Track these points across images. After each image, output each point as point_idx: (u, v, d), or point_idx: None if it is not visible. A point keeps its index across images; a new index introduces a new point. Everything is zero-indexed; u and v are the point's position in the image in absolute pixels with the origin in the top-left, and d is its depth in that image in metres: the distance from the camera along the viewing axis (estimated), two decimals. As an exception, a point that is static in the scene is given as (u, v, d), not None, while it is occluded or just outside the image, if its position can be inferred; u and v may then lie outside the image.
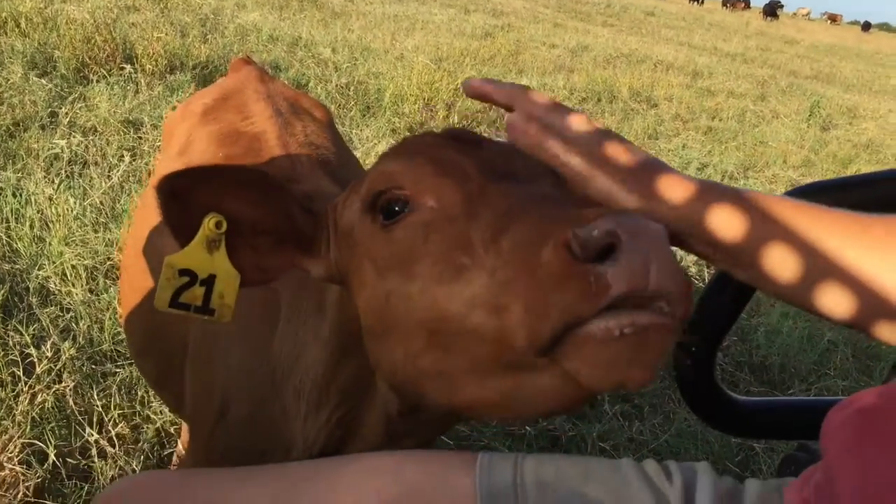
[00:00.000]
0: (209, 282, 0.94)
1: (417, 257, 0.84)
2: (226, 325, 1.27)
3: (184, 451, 2.44)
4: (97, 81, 5.74)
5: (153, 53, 6.39)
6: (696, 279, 4.30)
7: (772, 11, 46.98)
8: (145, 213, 1.88)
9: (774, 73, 16.18)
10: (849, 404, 0.80)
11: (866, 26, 78.12)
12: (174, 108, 5.47)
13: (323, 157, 1.81)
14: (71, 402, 2.48)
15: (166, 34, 7.17)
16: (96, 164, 4.33)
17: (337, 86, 6.98)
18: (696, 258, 4.57)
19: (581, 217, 0.67)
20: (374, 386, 1.07)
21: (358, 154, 5.41)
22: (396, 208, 0.89)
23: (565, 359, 0.67)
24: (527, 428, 2.86)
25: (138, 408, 2.57)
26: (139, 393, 2.63)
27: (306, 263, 1.01)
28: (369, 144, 5.60)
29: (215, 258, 0.93)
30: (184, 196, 0.90)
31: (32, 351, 2.64)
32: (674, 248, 0.80)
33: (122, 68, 6.00)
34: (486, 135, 1.12)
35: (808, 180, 7.11)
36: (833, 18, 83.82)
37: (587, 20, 21.44)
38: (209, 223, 0.91)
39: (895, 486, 0.69)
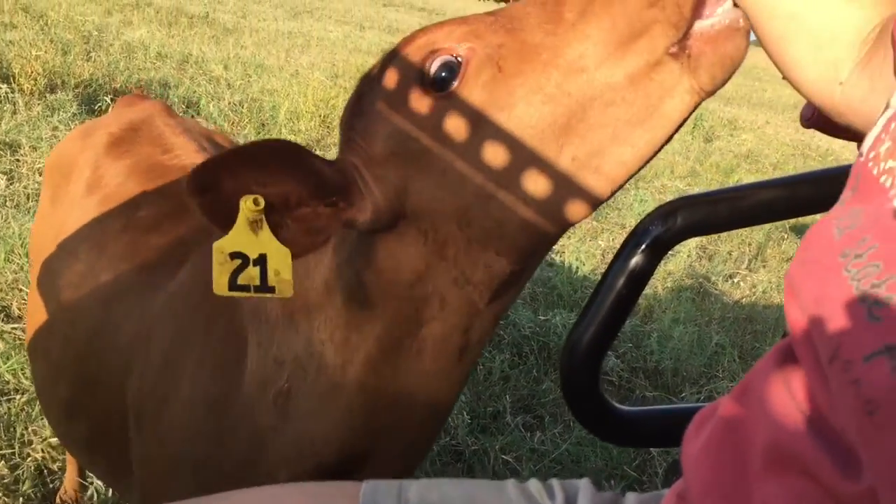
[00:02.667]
0: (262, 261, 0.92)
1: (526, 68, 0.90)
2: (184, 367, 1.29)
3: (71, 492, 2.32)
4: (-28, 102, 5.43)
5: (31, 72, 6.10)
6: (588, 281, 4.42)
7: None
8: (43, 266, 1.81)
9: (661, 87, 16.79)
10: (703, 421, 0.83)
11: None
12: (55, 128, 5.25)
13: None
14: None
15: (46, 52, 6.86)
16: (-30, 189, 4.10)
17: (230, 103, 6.83)
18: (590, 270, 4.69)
19: None
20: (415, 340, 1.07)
21: (253, 173, 5.31)
22: (443, 73, 0.93)
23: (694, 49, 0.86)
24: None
25: (17, 447, 2.43)
26: (18, 430, 2.49)
27: (350, 214, 0.98)
28: (264, 163, 5.49)
29: (261, 237, 0.91)
30: (214, 188, 0.89)
31: None
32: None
33: (-2, 88, 5.71)
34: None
35: (696, 190, 7.42)
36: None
37: (481, 36, 21.66)
38: (247, 204, 0.89)
39: (737, 490, 0.72)
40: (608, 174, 0.92)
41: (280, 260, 0.93)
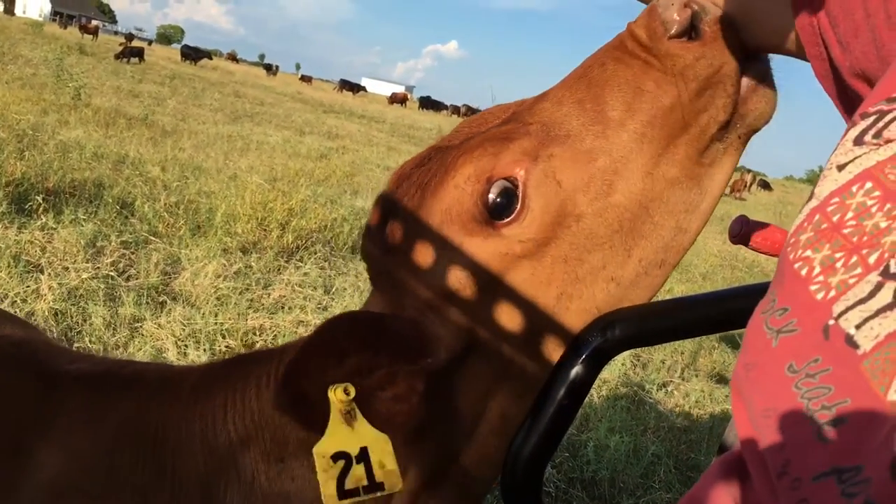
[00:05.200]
0: (364, 456, 0.85)
1: (585, 177, 0.88)
2: None
3: None
4: None
5: (-40, 169, 5.97)
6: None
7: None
8: None
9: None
10: None
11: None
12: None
13: None
14: None
15: (-24, 149, 6.74)
16: None
17: (165, 204, 6.77)
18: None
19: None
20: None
21: (187, 274, 5.22)
22: (500, 200, 0.89)
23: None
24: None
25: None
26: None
27: (430, 363, 0.89)
28: (199, 265, 5.42)
29: (358, 429, 0.85)
30: (303, 394, 0.83)
31: None
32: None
33: (-77, 184, 5.55)
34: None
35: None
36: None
37: (420, 144, 22.28)
38: (336, 396, 0.83)
39: None
40: (672, 263, 0.93)
41: (383, 450, 0.87)
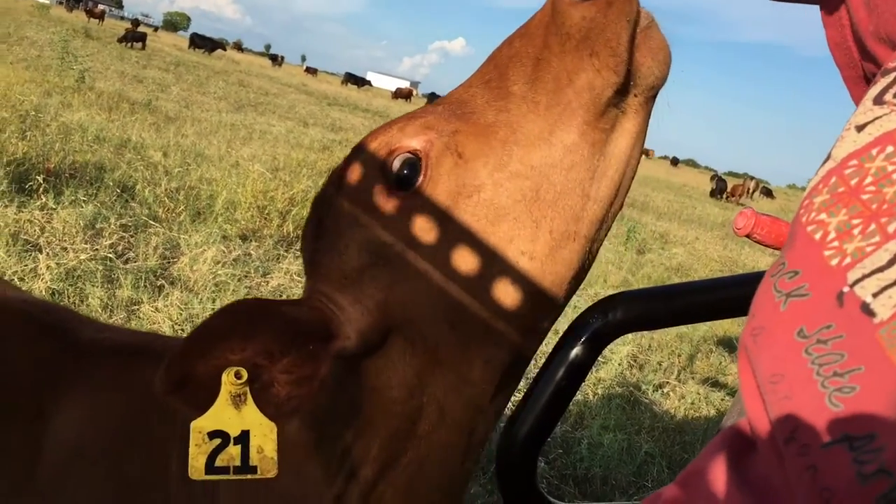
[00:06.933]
0: (244, 438, 0.85)
1: (486, 149, 0.90)
2: None
3: None
4: None
5: (-39, 147, 5.96)
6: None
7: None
8: None
9: (594, 199, 17.34)
10: (655, 497, 0.80)
11: (675, 161, 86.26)
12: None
13: None
14: None
15: (-22, 128, 6.73)
16: None
17: (166, 189, 6.75)
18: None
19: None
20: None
21: (186, 259, 5.21)
22: (406, 171, 0.91)
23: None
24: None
25: None
26: None
27: (336, 346, 0.90)
28: (198, 250, 5.41)
29: (244, 413, 0.84)
30: (189, 379, 0.82)
31: None
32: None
33: (-76, 160, 5.54)
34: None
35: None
36: (646, 153, 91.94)
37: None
38: (228, 379, 0.82)
39: None
40: (587, 235, 0.91)
41: (264, 435, 0.86)
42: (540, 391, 1.17)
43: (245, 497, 1.03)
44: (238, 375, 0.83)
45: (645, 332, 6.53)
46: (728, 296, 1.15)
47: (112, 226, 5.46)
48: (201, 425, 0.84)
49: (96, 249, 5.00)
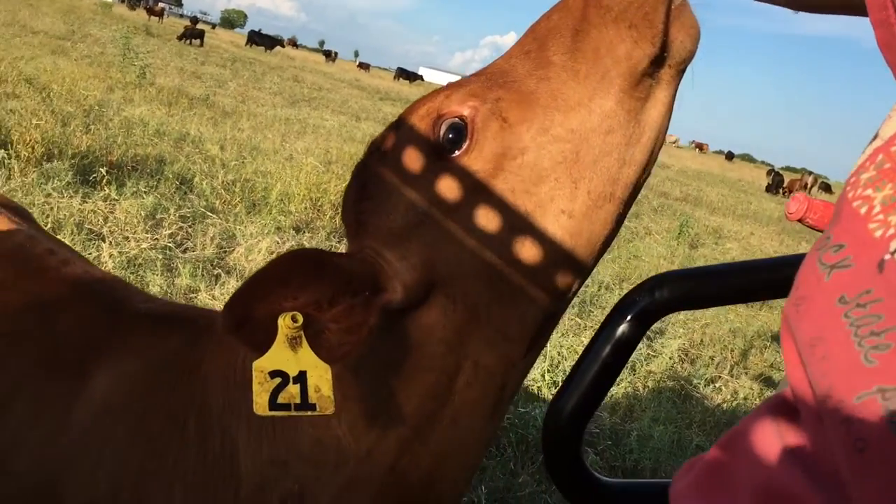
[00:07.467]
0: (302, 378, 0.91)
1: (529, 115, 0.94)
2: (158, 484, 1.13)
3: None
4: (-35, 164, 5.48)
5: (30, 140, 6.18)
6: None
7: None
8: None
9: (647, 194, 17.15)
10: (691, 466, 0.82)
11: (730, 156, 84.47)
12: (48, 195, 5.28)
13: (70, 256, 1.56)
14: None
15: (46, 122, 6.96)
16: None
17: (223, 182, 6.91)
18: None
19: None
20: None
21: (242, 249, 5.34)
22: (451, 136, 0.96)
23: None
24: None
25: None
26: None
27: (384, 298, 0.96)
28: (253, 241, 5.53)
29: (300, 355, 0.90)
30: (249, 319, 0.88)
31: None
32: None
33: (-6, 153, 5.76)
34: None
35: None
36: (700, 147, 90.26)
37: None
38: (285, 322, 0.88)
39: None
40: (621, 197, 0.96)
41: (320, 376, 0.91)
42: (586, 368, 1.19)
43: (265, 450, 1.08)
44: (294, 319, 0.88)
45: (697, 327, 6.46)
46: (775, 276, 1.15)
47: (171, 216, 5.61)
48: (262, 365, 0.89)
49: (156, 239, 5.16)
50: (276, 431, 1.08)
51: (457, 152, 0.96)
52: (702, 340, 6.23)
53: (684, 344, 5.91)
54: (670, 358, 5.44)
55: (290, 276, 0.89)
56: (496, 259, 0.95)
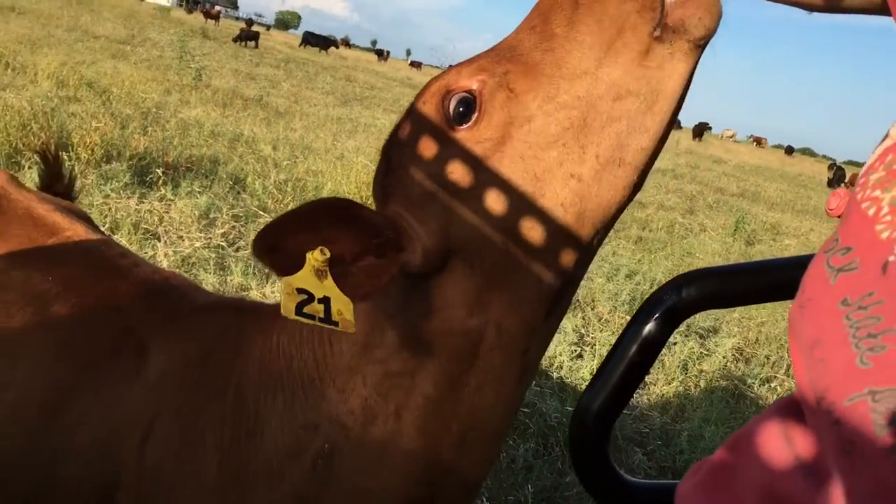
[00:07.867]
0: (326, 301, 0.96)
1: (535, 84, 0.98)
2: (201, 452, 1.25)
3: None
4: (28, 167, 5.67)
5: (90, 143, 6.37)
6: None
7: (700, 132, 49.47)
8: None
9: (702, 189, 16.88)
10: (699, 467, 0.82)
11: (790, 150, 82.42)
12: (107, 196, 5.43)
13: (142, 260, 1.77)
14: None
15: (105, 125, 7.17)
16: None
17: (275, 181, 7.02)
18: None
19: None
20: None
21: (291, 248, 5.41)
22: (462, 109, 1.00)
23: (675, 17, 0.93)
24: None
25: None
26: None
27: (404, 258, 1.01)
28: (303, 240, 5.60)
29: (325, 285, 0.95)
30: (278, 248, 0.93)
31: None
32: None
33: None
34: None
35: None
36: (758, 141, 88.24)
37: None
38: (314, 255, 0.94)
39: None
40: (632, 163, 0.98)
41: (343, 304, 0.97)
42: (613, 366, 1.18)
43: (298, 416, 1.17)
44: (323, 252, 0.93)
45: (752, 325, 6.34)
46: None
47: (224, 216, 5.73)
48: (290, 280, 0.94)
49: (210, 238, 5.27)
50: (307, 399, 1.17)
51: (467, 124, 1.00)
52: (757, 339, 6.11)
53: (739, 343, 5.80)
54: (724, 357, 5.34)
55: (323, 217, 0.95)
56: (509, 224, 0.99)
